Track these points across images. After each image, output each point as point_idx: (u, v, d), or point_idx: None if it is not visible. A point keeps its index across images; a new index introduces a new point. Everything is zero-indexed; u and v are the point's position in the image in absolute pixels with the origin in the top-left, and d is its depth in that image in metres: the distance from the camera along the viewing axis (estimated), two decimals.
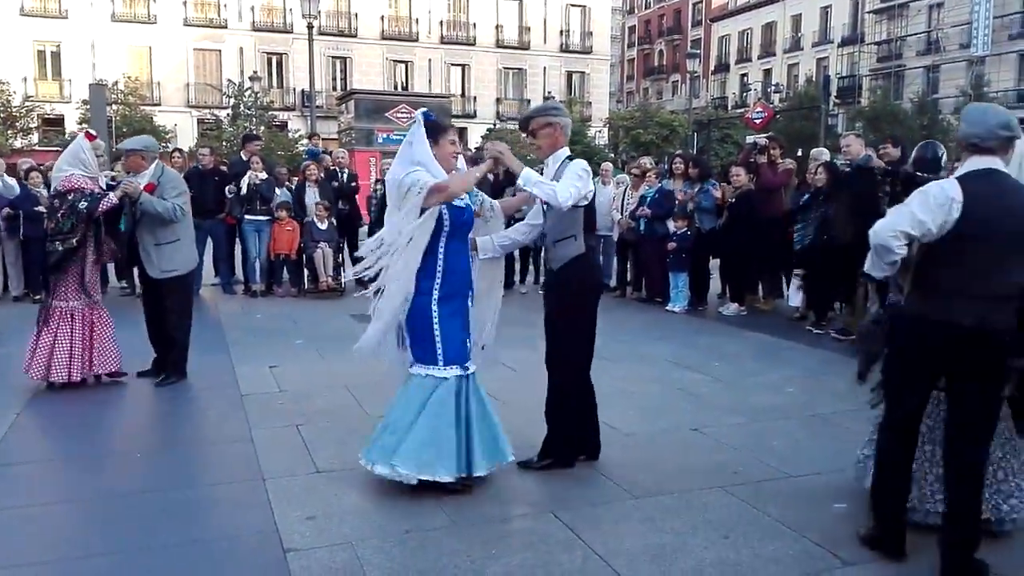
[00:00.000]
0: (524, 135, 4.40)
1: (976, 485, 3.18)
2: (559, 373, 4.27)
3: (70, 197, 5.64)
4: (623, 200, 10.53)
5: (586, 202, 4.13)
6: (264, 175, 10.40)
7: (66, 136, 32.48)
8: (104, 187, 5.99)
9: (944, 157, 7.20)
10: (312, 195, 10.58)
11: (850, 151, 7.96)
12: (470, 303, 4.13)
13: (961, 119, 3.22)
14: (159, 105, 36.48)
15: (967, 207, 3.00)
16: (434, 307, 3.92)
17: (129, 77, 35.29)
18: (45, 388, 5.82)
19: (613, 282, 10.64)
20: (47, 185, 9.86)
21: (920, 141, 7.65)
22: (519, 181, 4.03)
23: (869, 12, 43.84)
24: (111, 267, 7.81)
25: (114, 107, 29.96)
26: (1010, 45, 37.11)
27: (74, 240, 5.61)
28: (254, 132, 22.53)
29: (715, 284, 10.20)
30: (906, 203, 3.16)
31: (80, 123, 30.22)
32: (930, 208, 3.06)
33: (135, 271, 6.63)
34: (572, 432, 4.33)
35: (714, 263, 10.07)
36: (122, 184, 5.83)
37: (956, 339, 3.06)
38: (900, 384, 3.31)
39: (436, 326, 3.93)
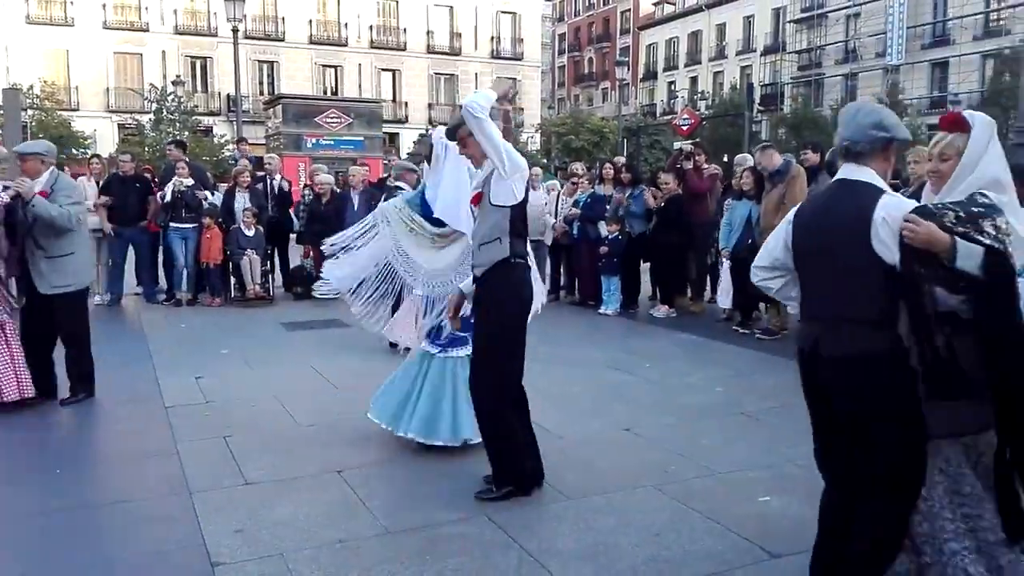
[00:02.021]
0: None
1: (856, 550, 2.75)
2: (480, 394, 3.98)
3: None
4: (556, 205, 10.64)
5: (515, 201, 3.88)
6: (190, 181, 10.14)
7: None
8: None
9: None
10: (242, 201, 10.37)
11: (764, 163, 8.24)
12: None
13: None
14: (77, 110, 35.21)
15: (796, 226, 2.85)
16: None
17: (45, 81, 33.98)
18: None
19: (547, 286, 10.71)
20: None
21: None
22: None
23: (790, 22, 45.20)
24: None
25: (30, 112, 28.80)
26: (922, 54, 38.72)
27: None
28: (179, 138, 21.97)
29: (646, 287, 10.37)
30: None
31: None
32: (773, 234, 2.97)
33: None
34: (522, 456, 4.02)
35: (644, 266, 10.23)
36: (13, 184, 5.40)
37: (803, 364, 2.80)
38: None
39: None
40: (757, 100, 38.92)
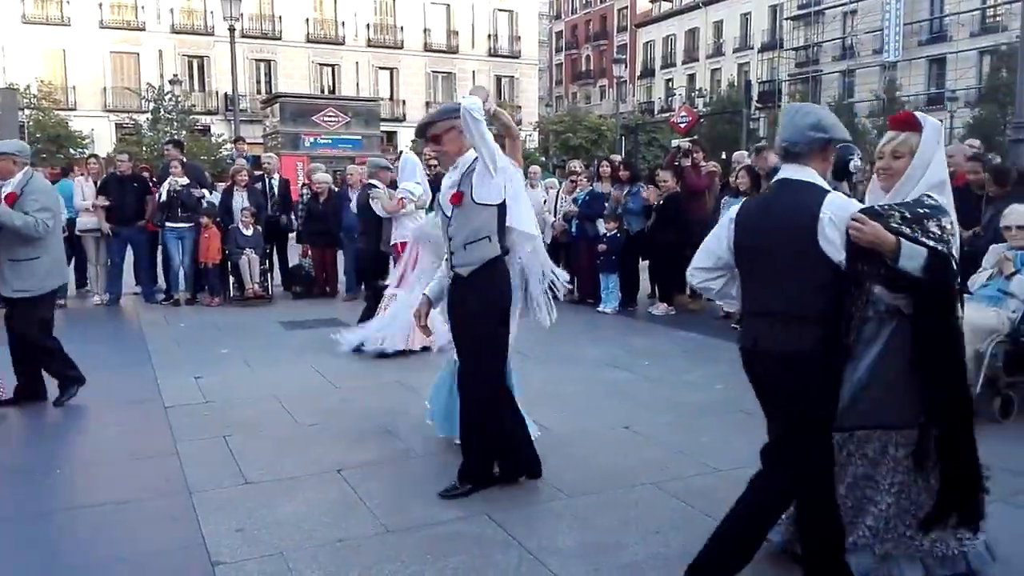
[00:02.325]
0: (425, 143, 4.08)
1: (757, 508, 2.92)
2: (474, 395, 3.98)
3: None
4: (555, 203, 10.65)
5: (500, 200, 3.91)
6: (184, 180, 10.12)
7: None
8: None
9: (857, 163, 7.51)
10: (240, 200, 10.36)
11: (760, 165, 8.35)
12: None
13: None
14: (75, 110, 35.14)
15: (738, 225, 2.91)
16: None
17: (42, 81, 33.90)
18: None
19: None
20: None
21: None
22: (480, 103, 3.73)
23: (787, 19, 45.23)
24: None
25: (27, 112, 28.72)
26: (920, 51, 38.75)
27: None
28: (176, 137, 21.97)
29: (644, 285, 10.37)
30: None
31: None
32: (713, 234, 3.05)
33: None
34: (491, 456, 4.10)
35: (643, 264, 10.23)
36: None
37: (746, 361, 2.92)
38: None
39: None
40: (755, 97, 38.94)
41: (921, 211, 2.74)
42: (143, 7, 37.47)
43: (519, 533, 3.58)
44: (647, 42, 56.32)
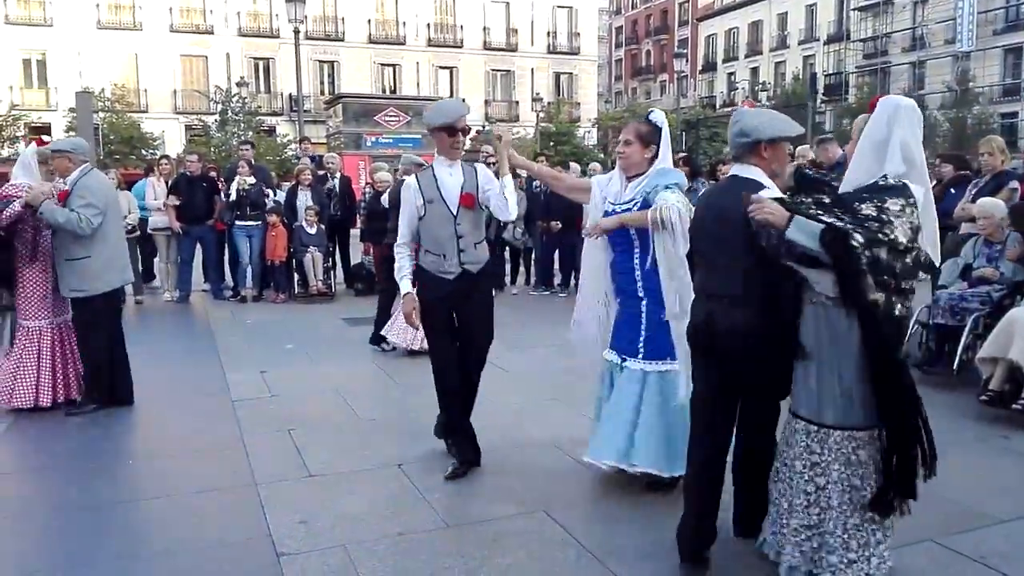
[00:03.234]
0: (455, 137, 4.13)
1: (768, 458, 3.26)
2: (479, 371, 4.39)
3: None
4: None
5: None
6: (252, 180, 10.35)
7: None
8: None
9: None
10: (304, 199, 10.55)
11: (822, 158, 8.19)
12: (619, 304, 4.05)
13: None
14: (146, 112, 36.32)
15: (696, 214, 3.29)
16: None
17: (116, 84, 35.12)
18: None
19: None
20: None
21: None
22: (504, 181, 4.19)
23: (854, 9, 44.06)
24: None
25: (101, 115, 29.79)
26: (994, 40, 37.36)
27: None
28: (243, 137, 22.48)
29: None
30: None
31: (67, 131, 30.07)
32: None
33: None
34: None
35: None
36: (24, 190, 5.22)
37: (695, 336, 3.18)
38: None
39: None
40: (820, 90, 38.09)
41: (856, 195, 2.83)
42: (211, 11, 38.51)
43: (578, 531, 3.58)
44: (709, 35, 55.50)
